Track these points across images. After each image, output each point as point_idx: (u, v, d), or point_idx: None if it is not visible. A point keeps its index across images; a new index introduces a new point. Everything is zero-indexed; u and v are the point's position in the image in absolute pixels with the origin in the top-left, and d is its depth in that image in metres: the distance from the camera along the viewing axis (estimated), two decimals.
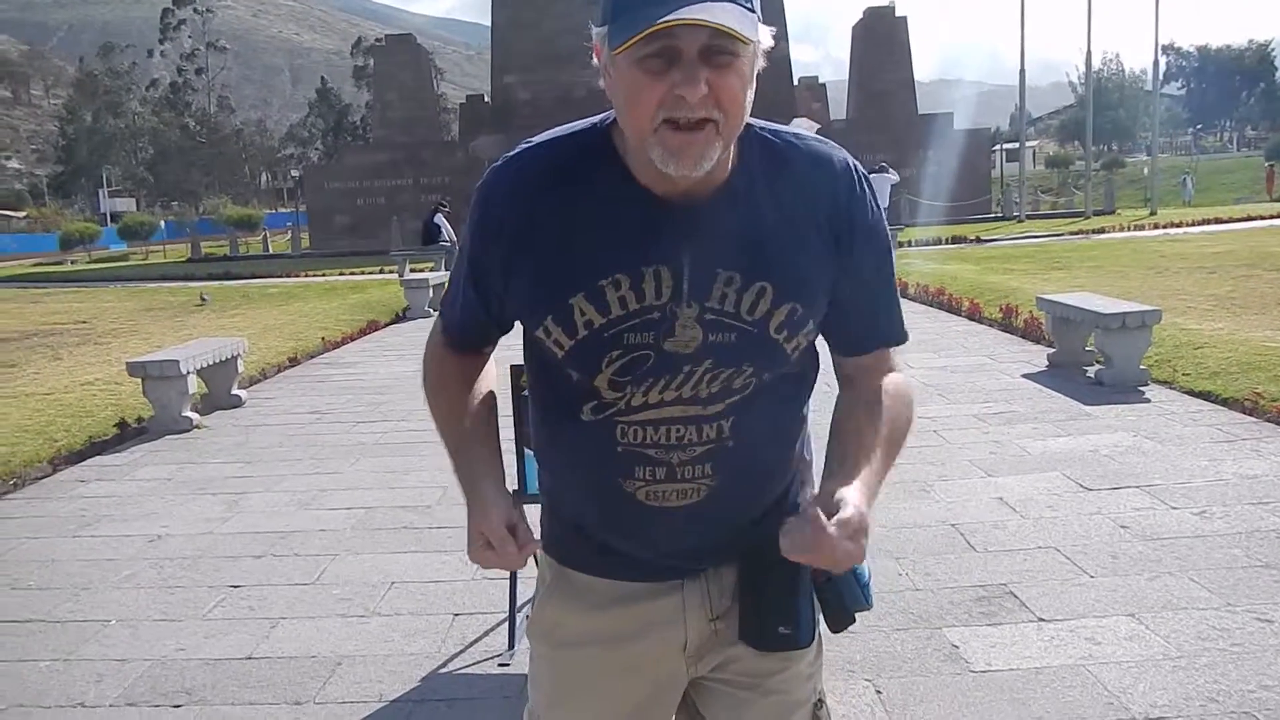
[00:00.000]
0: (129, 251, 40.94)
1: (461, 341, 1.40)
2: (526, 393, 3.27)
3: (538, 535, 1.42)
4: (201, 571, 4.01)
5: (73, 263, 35.26)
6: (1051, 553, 3.72)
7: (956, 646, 3.04)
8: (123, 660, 3.24)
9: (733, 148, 1.18)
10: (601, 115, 1.25)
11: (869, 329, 1.34)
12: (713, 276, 1.19)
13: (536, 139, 1.27)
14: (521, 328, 1.31)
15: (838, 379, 1.38)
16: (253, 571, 3.98)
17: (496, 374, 1.47)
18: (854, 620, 1.36)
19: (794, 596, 1.29)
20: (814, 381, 1.36)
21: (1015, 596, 3.36)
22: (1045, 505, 4.25)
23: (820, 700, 1.40)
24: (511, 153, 1.26)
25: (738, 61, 1.09)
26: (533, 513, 3.40)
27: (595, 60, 1.16)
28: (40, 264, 35.78)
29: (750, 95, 1.13)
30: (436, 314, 1.45)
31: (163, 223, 51.04)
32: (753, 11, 1.10)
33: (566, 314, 1.20)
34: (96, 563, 4.16)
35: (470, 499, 1.28)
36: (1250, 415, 5.47)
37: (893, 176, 19.16)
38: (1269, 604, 3.17)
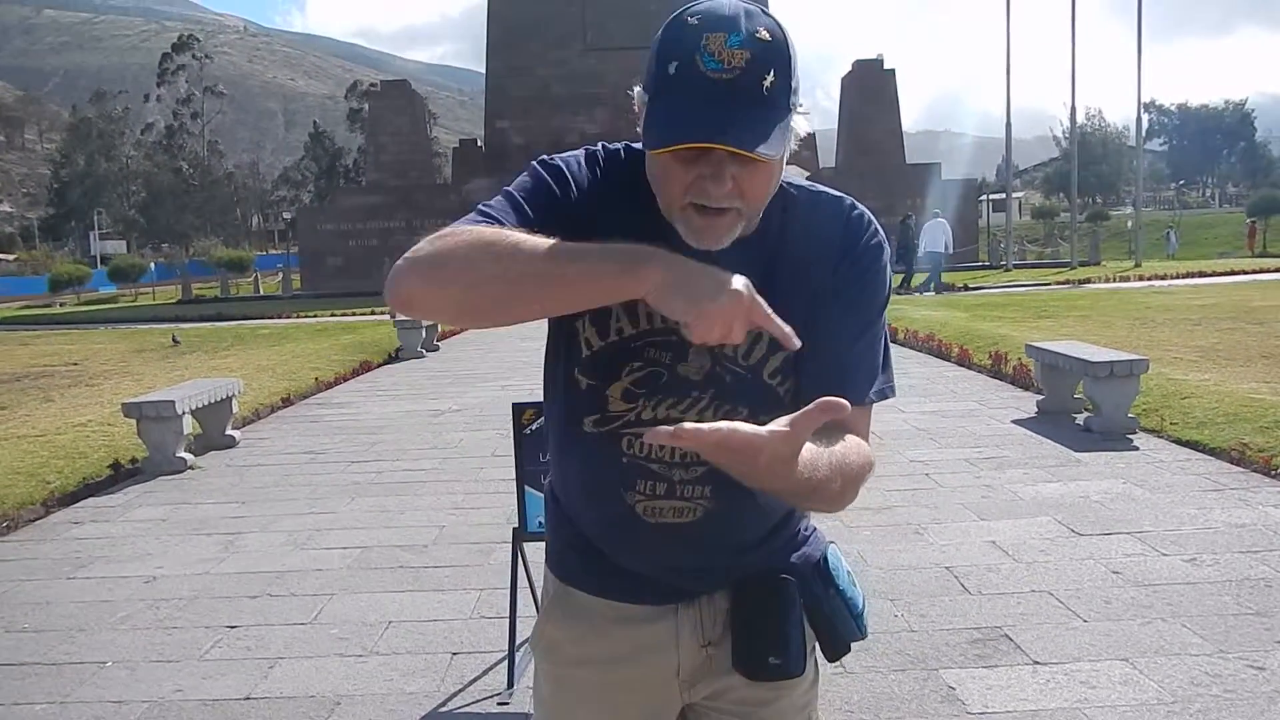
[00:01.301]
0: (118, 294, 40.90)
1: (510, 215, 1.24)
2: (528, 431, 3.34)
3: (545, 573, 1.47)
4: (198, 612, 4.00)
5: (61, 305, 35.18)
6: (1045, 596, 3.76)
7: (953, 688, 3.06)
8: (120, 702, 3.23)
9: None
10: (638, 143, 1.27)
11: (838, 381, 1.23)
12: None
13: (597, 148, 1.32)
14: (549, 326, 1.33)
15: None
16: (249, 612, 3.98)
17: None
18: (849, 650, 1.39)
19: (785, 625, 1.32)
20: None
21: (1010, 639, 3.39)
22: (1038, 549, 4.30)
23: None
24: (581, 149, 1.31)
25: (766, 164, 1.13)
26: (533, 550, 3.42)
27: (636, 112, 1.20)
28: (28, 306, 35.67)
29: (779, 179, 1.19)
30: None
31: (153, 265, 51.06)
32: (787, 114, 1.12)
33: (604, 317, 1.26)
34: (92, 604, 4.15)
35: (669, 263, 1.08)
36: (1238, 465, 5.54)
37: (946, 223, 19.78)
38: (1260, 651, 3.21)
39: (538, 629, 1.46)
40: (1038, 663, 3.21)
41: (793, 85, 1.13)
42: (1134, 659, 3.20)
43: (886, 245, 1.32)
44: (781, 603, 1.32)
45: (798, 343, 1.10)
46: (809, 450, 1.08)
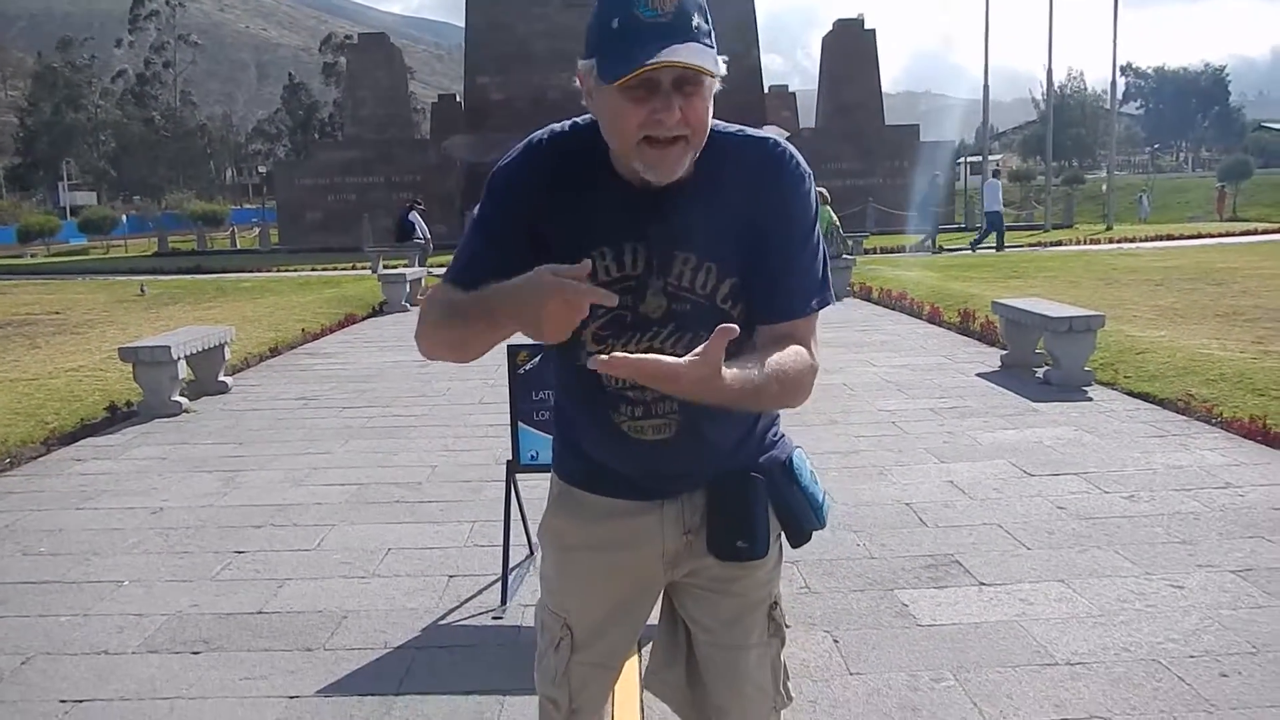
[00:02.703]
0: (89, 245, 40.44)
1: (466, 282, 1.49)
2: (522, 371, 3.60)
3: (551, 476, 1.74)
4: (206, 539, 4.26)
5: (32, 255, 34.80)
6: (994, 529, 4.09)
7: (906, 605, 3.38)
8: (140, 615, 3.49)
9: None
10: (587, 117, 1.50)
11: (783, 298, 1.49)
12: (672, 257, 1.47)
13: (542, 133, 1.54)
14: None
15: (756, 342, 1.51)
16: (255, 539, 4.24)
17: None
18: (809, 538, 1.66)
19: (751, 516, 1.59)
20: None
21: (960, 564, 3.71)
22: (991, 488, 4.63)
23: (775, 602, 1.72)
24: (524, 142, 1.55)
25: (702, 89, 1.36)
26: (525, 483, 3.68)
27: (579, 84, 1.44)
28: None
29: (711, 110, 1.41)
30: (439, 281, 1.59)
31: (124, 217, 50.44)
32: (712, 47, 1.36)
33: None
34: (103, 532, 4.39)
35: (507, 296, 1.33)
36: (1182, 414, 5.90)
37: (998, 183, 20.55)
38: (1181, 573, 3.56)
39: (544, 521, 1.74)
40: (983, 584, 3.54)
41: (711, 29, 1.37)
42: (1070, 580, 3.53)
43: (809, 174, 1.52)
44: (749, 496, 1.59)
45: (615, 299, 1.31)
46: (738, 366, 1.32)
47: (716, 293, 1.50)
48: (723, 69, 1.37)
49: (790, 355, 1.43)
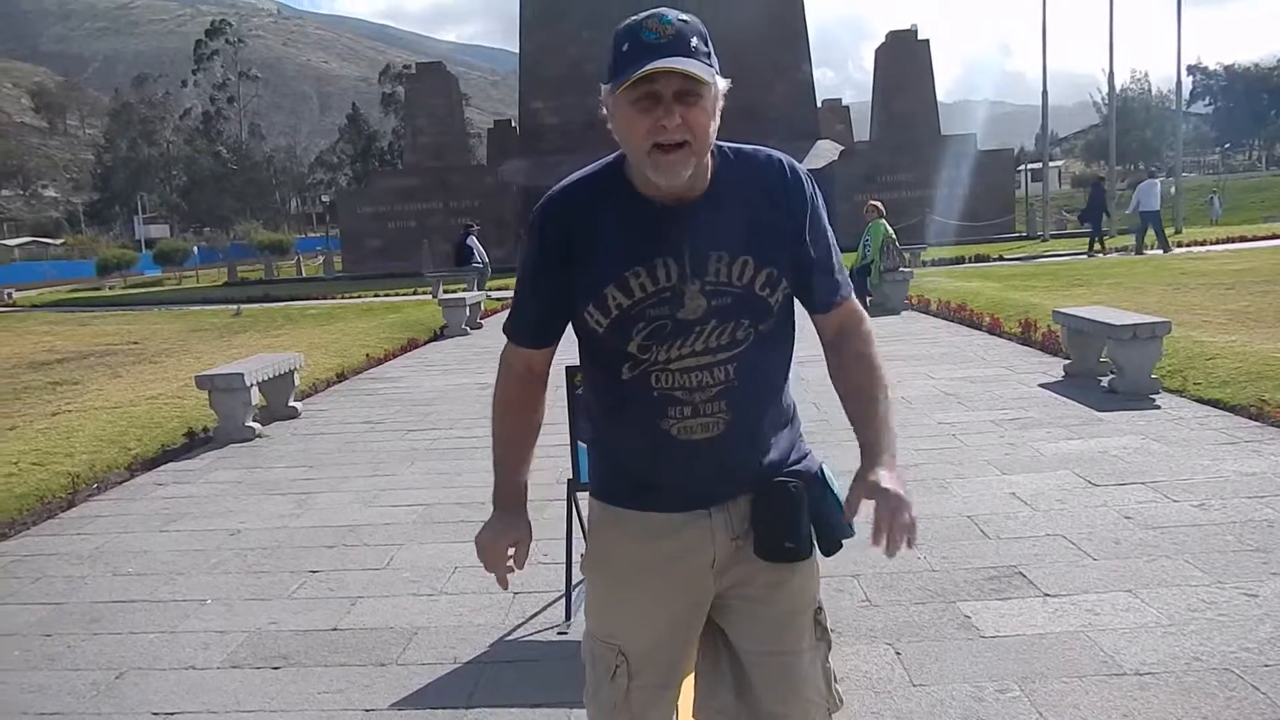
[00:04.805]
0: (163, 277, 41.92)
1: (532, 338, 1.76)
2: (580, 391, 3.69)
3: (588, 491, 1.83)
4: (282, 559, 4.42)
5: (110, 288, 36.19)
6: (1059, 539, 4.05)
7: (969, 617, 3.38)
8: (222, 632, 3.64)
9: (709, 165, 1.60)
10: (614, 154, 1.67)
11: (824, 287, 1.73)
12: (707, 257, 1.60)
13: (570, 177, 1.69)
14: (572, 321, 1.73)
15: (826, 335, 1.78)
16: (328, 559, 4.39)
17: (546, 402, 1.87)
18: (841, 546, 1.72)
19: (797, 517, 1.68)
20: (793, 341, 1.76)
21: (1024, 576, 3.69)
22: (1055, 499, 4.58)
23: (820, 606, 1.78)
24: (554, 189, 1.71)
25: (702, 100, 1.53)
26: (586, 500, 3.71)
27: (604, 110, 1.60)
28: (78, 289, 36.72)
29: (715, 124, 1.57)
30: (505, 338, 1.81)
31: (195, 249, 52.19)
32: (710, 66, 1.54)
33: (602, 300, 1.61)
34: (185, 553, 4.59)
35: (496, 512, 1.78)
36: (1255, 420, 5.76)
37: (1156, 181, 21.77)
38: (1255, 581, 3.49)
39: (589, 551, 1.81)
40: (1048, 595, 3.51)
41: (711, 53, 1.55)
42: (1137, 590, 3.49)
43: (809, 177, 1.71)
44: (794, 500, 1.68)
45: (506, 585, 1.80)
46: (880, 439, 1.66)
47: (755, 281, 1.63)
48: (721, 84, 1.57)
49: (874, 353, 1.74)
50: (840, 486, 1.73)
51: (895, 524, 1.54)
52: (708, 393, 1.64)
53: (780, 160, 1.69)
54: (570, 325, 1.72)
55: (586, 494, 3.67)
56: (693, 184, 1.58)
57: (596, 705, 1.77)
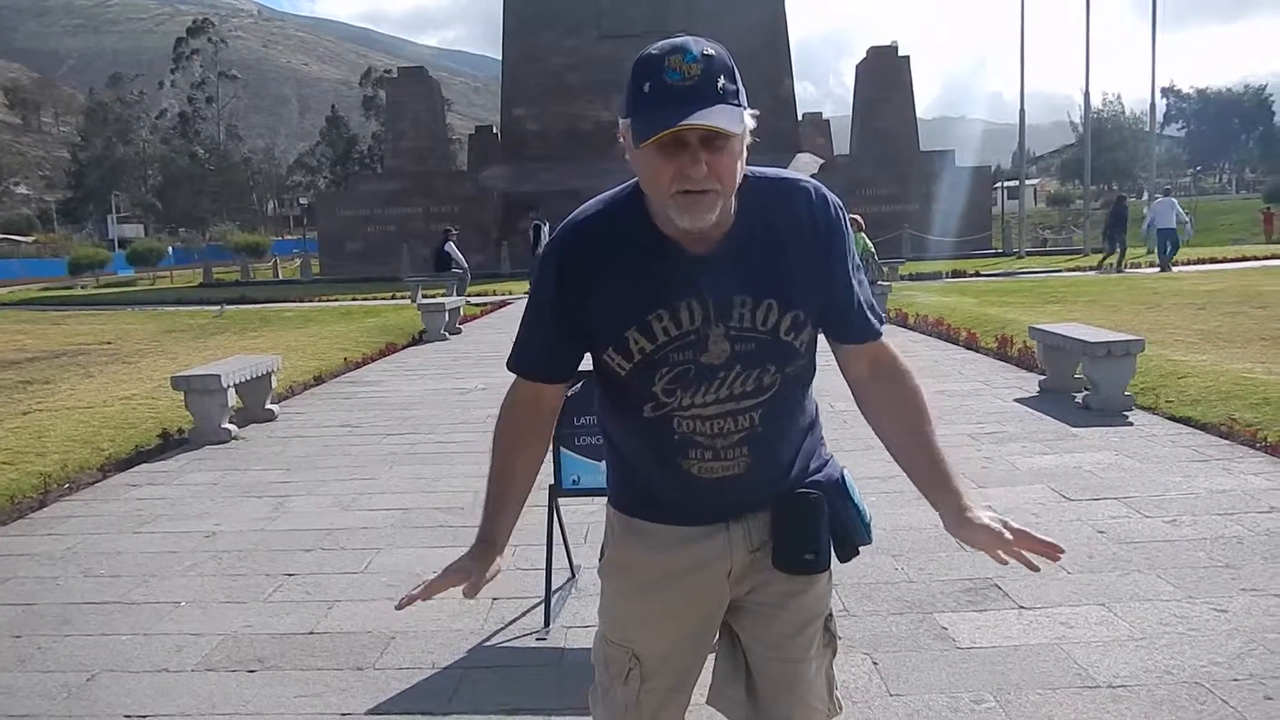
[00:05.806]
0: (137, 277, 41.46)
1: (545, 372, 1.70)
2: (569, 395, 3.70)
3: (605, 499, 1.82)
4: (258, 562, 4.39)
5: (82, 287, 35.74)
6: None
7: (945, 628, 3.41)
8: (197, 634, 3.61)
9: (733, 200, 1.52)
10: (629, 184, 1.58)
11: (857, 324, 1.67)
12: (730, 302, 1.54)
13: (585, 209, 1.62)
14: (589, 354, 1.69)
15: (854, 373, 1.73)
16: (305, 562, 4.36)
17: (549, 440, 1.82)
18: (858, 553, 1.74)
19: (817, 529, 1.67)
20: (814, 370, 1.71)
21: (999, 588, 3.73)
22: (1030, 513, 4.63)
23: (830, 614, 1.79)
24: (569, 221, 1.62)
25: (729, 145, 1.44)
26: (567, 506, 3.73)
27: (621, 141, 1.51)
28: (49, 288, 36.23)
29: (741, 164, 1.49)
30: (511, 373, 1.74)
31: (170, 249, 51.66)
32: (740, 106, 1.44)
33: (624, 344, 1.56)
34: (159, 554, 4.54)
35: (476, 548, 1.70)
36: (1225, 439, 5.85)
37: (1172, 200, 22.37)
38: (1225, 597, 3.55)
39: (608, 556, 1.79)
40: (1023, 607, 3.55)
41: (738, 88, 1.45)
42: (1110, 604, 3.54)
43: (840, 205, 1.64)
44: (814, 511, 1.67)
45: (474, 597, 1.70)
46: (938, 472, 1.71)
47: (779, 327, 1.57)
48: (750, 123, 1.46)
49: (908, 382, 1.73)
50: (859, 494, 1.74)
51: (1034, 547, 1.60)
52: (729, 439, 1.61)
53: (810, 192, 1.61)
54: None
55: (566, 499, 3.70)
56: (717, 223, 1.50)
57: (605, 707, 1.77)
